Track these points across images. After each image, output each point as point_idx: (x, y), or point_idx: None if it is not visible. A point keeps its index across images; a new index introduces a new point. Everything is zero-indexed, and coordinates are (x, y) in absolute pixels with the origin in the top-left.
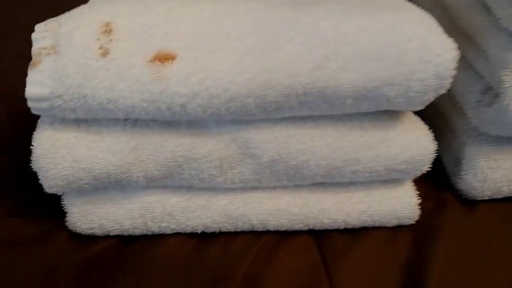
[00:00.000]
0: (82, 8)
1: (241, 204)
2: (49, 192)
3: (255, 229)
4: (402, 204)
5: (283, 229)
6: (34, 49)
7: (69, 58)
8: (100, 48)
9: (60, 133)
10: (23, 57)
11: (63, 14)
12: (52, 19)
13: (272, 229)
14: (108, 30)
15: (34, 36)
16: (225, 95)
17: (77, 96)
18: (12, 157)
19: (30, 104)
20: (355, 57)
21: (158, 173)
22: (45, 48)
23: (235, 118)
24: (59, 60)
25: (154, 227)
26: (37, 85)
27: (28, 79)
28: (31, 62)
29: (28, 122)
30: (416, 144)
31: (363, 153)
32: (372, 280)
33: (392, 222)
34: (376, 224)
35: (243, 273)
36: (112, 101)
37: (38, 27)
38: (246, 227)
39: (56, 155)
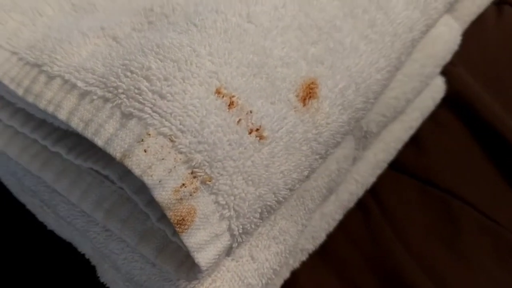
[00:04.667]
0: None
1: (346, 185)
2: None
3: (359, 197)
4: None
5: (375, 179)
6: (167, 199)
7: (229, 173)
8: (251, 132)
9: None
10: None
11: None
12: (130, 129)
13: (369, 187)
14: (230, 99)
15: (149, 181)
16: (377, 86)
17: (255, 214)
18: None
19: (205, 272)
20: None
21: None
22: (183, 185)
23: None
24: (221, 186)
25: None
26: (211, 243)
27: (191, 247)
28: (176, 222)
29: None
30: None
31: (429, 66)
32: None
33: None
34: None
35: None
36: (289, 187)
37: (135, 160)
38: (352, 203)
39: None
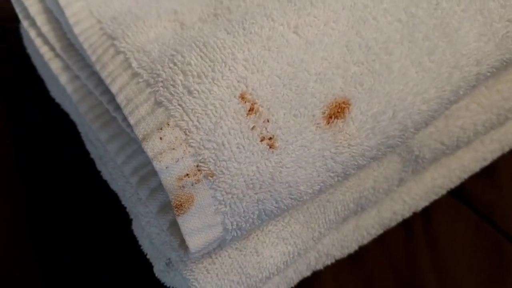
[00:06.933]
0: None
1: (390, 203)
2: None
3: (404, 218)
4: None
5: (427, 203)
6: (170, 184)
7: (232, 174)
8: (263, 139)
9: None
10: None
11: (156, 108)
12: (156, 116)
13: (419, 210)
14: (251, 105)
15: (157, 165)
16: (419, 117)
17: (253, 215)
18: None
19: (195, 254)
20: None
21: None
22: (187, 175)
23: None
24: (221, 183)
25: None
26: (203, 231)
27: (183, 230)
28: (175, 205)
29: None
30: None
31: None
32: None
33: None
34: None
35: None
36: (294, 198)
37: (151, 145)
38: (394, 222)
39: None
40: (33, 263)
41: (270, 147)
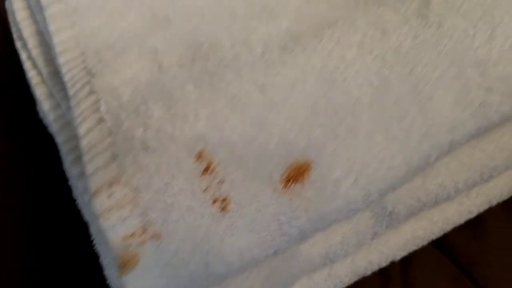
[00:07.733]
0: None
1: (366, 253)
2: None
3: (380, 267)
4: None
5: (406, 253)
6: (116, 242)
7: (179, 237)
8: (215, 201)
9: None
10: None
11: (114, 158)
12: (110, 170)
13: (397, 259)
14: (207, 165)
15: (103, 223)
16: (384, 184)
17: (199, 278)
18: None
19: None
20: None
21: None
22: (132, 235)
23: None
24: (166, 246)
25: None
26: None
27: None
28: (119, 263)
29: None
30: None
31: (499, 160)
32: None
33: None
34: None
35: None
36: (246, 261)
37: (99, 201)
38: (370, 271)
39: None
40: (32, 264)
41: (222, 210)
